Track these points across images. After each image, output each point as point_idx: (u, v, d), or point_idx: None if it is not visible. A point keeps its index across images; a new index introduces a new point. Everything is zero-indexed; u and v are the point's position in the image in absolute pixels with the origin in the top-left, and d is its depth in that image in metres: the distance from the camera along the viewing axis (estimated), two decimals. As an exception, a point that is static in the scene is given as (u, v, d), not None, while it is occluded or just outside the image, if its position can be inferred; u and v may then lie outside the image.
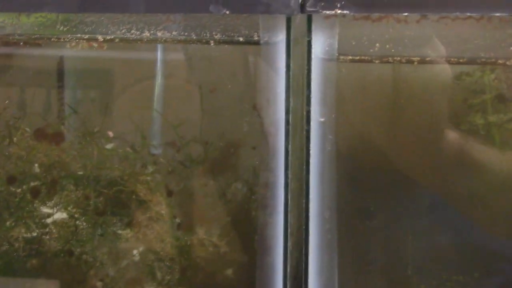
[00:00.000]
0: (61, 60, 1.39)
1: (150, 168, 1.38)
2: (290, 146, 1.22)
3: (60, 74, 1.40)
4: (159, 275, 1.35)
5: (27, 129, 1.40)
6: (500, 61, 1.23)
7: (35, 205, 1.38)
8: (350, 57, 1.23)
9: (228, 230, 1.32)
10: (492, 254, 1.26)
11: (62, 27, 1.32)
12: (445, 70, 1.26)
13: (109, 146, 1.40)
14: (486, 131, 1.25)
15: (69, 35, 1.32)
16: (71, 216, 1.37)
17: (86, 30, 1.31)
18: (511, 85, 1.26)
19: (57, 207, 1.38)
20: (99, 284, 1.36)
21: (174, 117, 1.35)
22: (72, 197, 1.38)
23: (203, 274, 1.33)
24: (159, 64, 1.36)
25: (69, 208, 1.38)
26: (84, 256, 1.36)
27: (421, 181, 1.25)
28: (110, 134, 1.40)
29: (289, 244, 1.22)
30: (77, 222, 1.38)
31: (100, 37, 1.30)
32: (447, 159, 1.26)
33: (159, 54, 1.35)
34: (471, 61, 1.24)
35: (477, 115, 1.26)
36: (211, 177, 1.33)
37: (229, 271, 1.33)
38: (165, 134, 1.36)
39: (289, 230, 1.22)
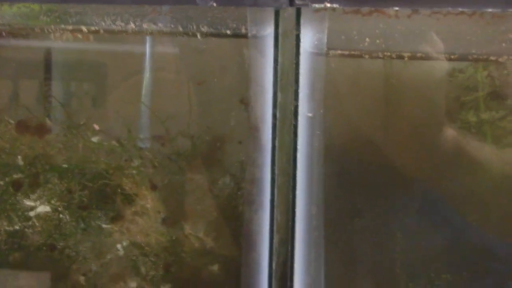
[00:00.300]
0: (46, 51, 1.37)
1: (136, 162, 1.36)
2: (277, 141, 1.20)
3: (46, 66, 1.38)
4: (143, 270, 1.33)
5: (11, 121, 1.38)
6: (492, 58, 1.21)
7: (17, 198, 1.36)
8: (340, 52, 1.22)
9: (214, 225, 1.31)
10: (482, 253, 1.25)
11: (45, 18, 1.30)
12: (437, 67, 1.24)
13: (95, 139, 1.38)
14: (478, 128, 1.23)
15: (52, 26, 1.30)
16: (55, 210, 1.35)
17: (70, 21, 1.28)
18: (504, 82, 1.25)
19: (40, 200, 1.36)
20: (82, 278, 1.34)
21: (162, 110, 1.33)
22: (56, 190, 1.36)
23: (188, 269, 1.32)
24: (147, 57, 1.34)
25: (52, 201, 1.36)
26: (67, 250, 1.34)
27: (411, 179, 1.24)
28: (96, 127, 1.38)
29: (275, 240, 1.21)
30: (61, 215, 1.35)
31: (84, 28, 1.28)
32: (438, 156, 1.25)
33: (147, 47, 1.33)
34: (462, 58, 1.22)
35: (469, 112, 1.24)
36: (197, 172, 1.31)
37: (215, 267, 1.31)
38: (152, 127, 1.34)
39: (275, 227, 1.20)
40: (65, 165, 1.38)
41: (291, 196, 1.20)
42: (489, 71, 1.24)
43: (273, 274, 1.21)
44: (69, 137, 1.37)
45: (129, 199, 1.36)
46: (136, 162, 1.36)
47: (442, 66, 1.24)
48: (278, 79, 1.19)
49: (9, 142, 1.38)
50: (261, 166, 1.21)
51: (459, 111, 1.24)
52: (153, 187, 1.33)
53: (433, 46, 1.21)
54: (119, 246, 1.33)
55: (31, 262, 1.36)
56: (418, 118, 1.25)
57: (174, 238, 1.32)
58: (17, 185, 1.37)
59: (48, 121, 1.38)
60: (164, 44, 1.31)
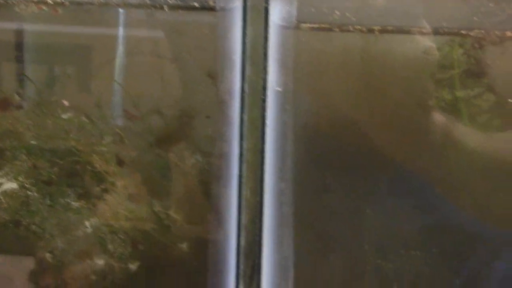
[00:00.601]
0: (17, 29, 1.34)
1: (107, 139, 1.33)
2: (245, 116, 1.18)
3: (17, 43, 1.35)
4: (111, 247, 1.31)
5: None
6: (462, 32, 1.20)
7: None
8: (309, 25, 1.19)
9: (184, 202, 1.29)
10: (451, 230, 1.24)
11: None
12: (413, 43, 1.22)
13: (65, 116, 1.35)
14: (453, 106, 1.22)
15: (16, -3, 1.27)
16: (22, 187, 1.33)
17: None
18: (480, 60, 1.23)
19: (7, 177, 1.33)
20: (47, 255, 1.32)
21: (131, 87, 1.31)
22: (24, 167, 1.34)
23: (156, 247, 1.30)
24: (122, 33, 1.31)
25: (19, 178, 1.33)
26: (33, 227, 1.32)
27: (382, 155, 1.22)
28: (66, 103, 1.35)
29: (243, 217, 1.19)
30: (28, 192, 1.33)
31: (49, 0, 1.25)
32: (409, 135, 1.23)
33: (122, 23, 1.30)
34: (433, 32, 1.20)
35: (444, 90, 1.23)
36: (165, 148, 1.29)
37: (184, 245, 1.29)
38: (123, 104, 1.32)
39: (243, 203, 1.19)
40: (33, 142, 1.35)
41: (259, 172, 1.18)
42: (465, 49, 1.23)
43: (241, 252, 1.19)
44: (38, 113, 1.35)
45: (98, 177, 1.33)
46: (107, 139, 1.34)
47: (418, 42, 1.22)
48: (247, 52, 1.17)
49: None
50: (229, 140, 1.19)
51: (434, 88, 1.22)
52: (121, 163, 1.31)
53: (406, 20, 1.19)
54: (87, 223, 1.31)
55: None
56: (391, 94, 1.23)
57: (143, 216, 1.30)
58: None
59: (17, 97, 1.35)
60: (133, 19, 1.28)
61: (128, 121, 1.31)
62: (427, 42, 1.22)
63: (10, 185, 1.34)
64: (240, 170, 1.18)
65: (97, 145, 1.34)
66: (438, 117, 1.22)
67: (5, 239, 1.33)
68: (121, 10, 1.27)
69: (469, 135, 1.22)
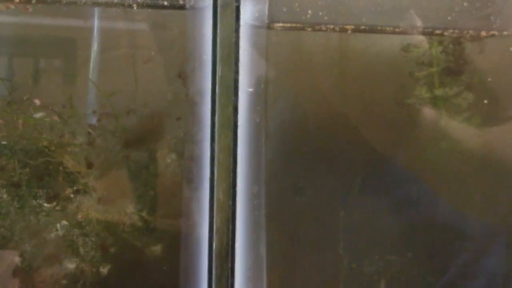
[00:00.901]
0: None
1: (79, 139, 1.31)
2: (216, 117, 1.16)
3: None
4: (82, 250, 1.29)
5: None
6: (437, 32, 1.18)
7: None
8: (281, 24, 1.17)
9: (155, 204, 1.26)
10: (429, 228, 1.22)
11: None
12: (390, 40, 1.21)
13: (37, 115, 1.33)
14: (432, 104, 1.21)
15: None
16: (-8, 188, 1.30)
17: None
18: (458, 58, 1.22)
19: (-23, 179, 1.31)
20: (16, 259, 1.29)
21: (103, 87, 1.28)
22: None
23: (127, 250, 1.28)
24: (93, 31, 1.29)
25: (-11, 180, 1.31)
26: (1, 230, 1.30)
27: (354, 156, 1.20)
28: (37, 102, 1.33)
29: (215, 219, 1.17)
30: (-2, 194, 1.31)
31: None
32: (385, 134, 1.21)
33: (93, 22, 1.28)
34: (407, 31, 1.19)
35: (423, 88, 1.21)
36: (136, 149, 1.27)
37: (156, 248, 1.27)
38: (93, 104, 1.29)
39: (215, 205, 1.17)
40: (4, 142, 1.33)
41: (231, 174, 1.16)
42: (443, 46, 1.21)
43: (214, 254, 1.17)
44: (9, 112, 1.32)
45: (70, 178, 1.31)
46: (79, 139, 1.32)
47: (394, 40, 1.21)
48: (218, 52, 1.15)
49: None
50: (200, 142, 1.17)
51: (413, 86, 1.21)
52: (89, 165, 1.29)
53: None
54: (58, 225, 1.29)
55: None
56: (367, 93, 1.21)
57: (114, 218, 1.28)
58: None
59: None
60: (104, 19, 1.26)
61: (101, 121, 1.29)
62: (406, 40, 1.20)
63: (-21, 187, 1.31)
64: (211, 173, 1.16)
65: (69, 146, 1.31)
66: (418, 114, 1.20)
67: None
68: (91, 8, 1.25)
69: (449, 132, 1.21)
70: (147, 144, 1.26)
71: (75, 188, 1.30)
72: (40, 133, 1.33)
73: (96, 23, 1.26)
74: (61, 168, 1.31)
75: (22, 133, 1.33)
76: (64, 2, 1.21)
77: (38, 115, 1.33)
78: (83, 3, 1.22)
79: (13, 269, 1.30)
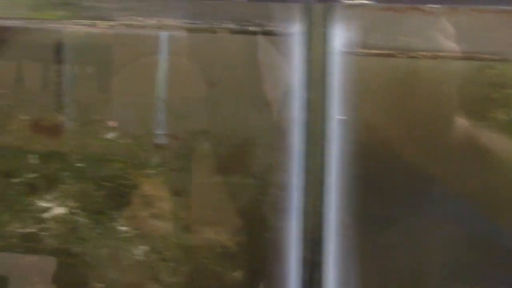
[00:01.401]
0: (59, 43, 1.31)
1: (155, 161, 1.30)
2: (306, 145, 1.14)
3: (60, 61, 1.32)
4: (163, 277, 1.28)
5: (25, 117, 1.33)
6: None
7: (31, 199, 1.31)
8: (373, 51, 1.15)
9: (238, 232, 1.25)
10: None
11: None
12: (469, 65, 1.18)
13: (109, 136, 1.32)
14: (509, 127, 1.18)
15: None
16: (71, 212, 1.30)
17: (85, 15, 1.22)
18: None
19: (56, 202, 1.30)
20: (99, 286, 1.29)
21: (181, 110, 1.27)
22: (72, 191, 1.31)
23: (210, 277, 1.26)
24: (167, 53, 1.27)
25: (68, 203, 1.30)
26: (84, 255, 1.29)
27: (448, 187, 1.17)
28: (111, 123, 1.32)
29: (303, 251, 1.15)
30: (77, 218, 1.30)
31: (100, 23, 1.22)
32: (474, 160, 1.19)
33: (166, 43, 1.27)
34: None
35: (499, 110, 1.18)
36: (221, 175, 1.25)
37: (238, 275, 1.26)
38: (170, 128, 1.28)
39: (303, 236, 1.15)
40: (79, 164, 1.32)
41: (321, 204, 1.14)
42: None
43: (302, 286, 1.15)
44: (83, 134, 1.32)
45: (146, 201, 1.30)
46: (154, 162, 1.30)
47: (474, 64, 1.18)
48: (307, 79, 1.13)
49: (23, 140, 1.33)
50: (289, 171, 1.15)
51: (488, 109, 1.18)
52: (175, 192, 1.27)
53: (470, 44, 1.15)
54: (137, 251, 1.28)
55: (45, 267, 1.31)
56: (453, 120, 1.18)
57: (195, 244, 1.27)
58: (32, 187, 1.31)
59: (60, 118, 1.32)
60: (182, 42, 1.24)
61: (175, 144, 1.28)
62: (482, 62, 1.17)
63: (59, 210, 1.31)
64: (300, 202, 1.14)
65: (144, 168, 1.30)
66: (495, 139, 1.17)
67: (54, 268, 1.30)
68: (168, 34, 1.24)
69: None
70: (234, 170, 1.25)
71: (152, 211, 1.30)
72: (114, 155, 1.32)
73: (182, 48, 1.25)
74: (136, 191, 1.30)
75: (96, 155, 1.32)
76: (148, 25, 1.20)
77: (110, 136, 1.32)
78: (171, 27, 1.21)
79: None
